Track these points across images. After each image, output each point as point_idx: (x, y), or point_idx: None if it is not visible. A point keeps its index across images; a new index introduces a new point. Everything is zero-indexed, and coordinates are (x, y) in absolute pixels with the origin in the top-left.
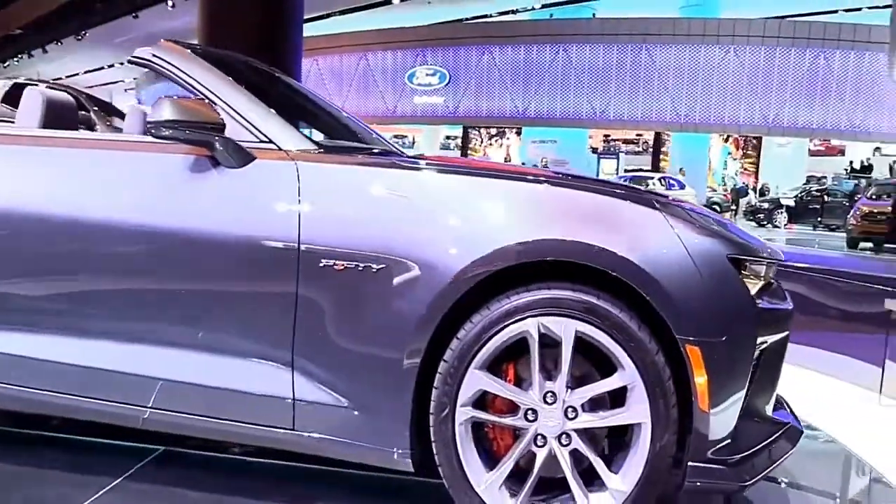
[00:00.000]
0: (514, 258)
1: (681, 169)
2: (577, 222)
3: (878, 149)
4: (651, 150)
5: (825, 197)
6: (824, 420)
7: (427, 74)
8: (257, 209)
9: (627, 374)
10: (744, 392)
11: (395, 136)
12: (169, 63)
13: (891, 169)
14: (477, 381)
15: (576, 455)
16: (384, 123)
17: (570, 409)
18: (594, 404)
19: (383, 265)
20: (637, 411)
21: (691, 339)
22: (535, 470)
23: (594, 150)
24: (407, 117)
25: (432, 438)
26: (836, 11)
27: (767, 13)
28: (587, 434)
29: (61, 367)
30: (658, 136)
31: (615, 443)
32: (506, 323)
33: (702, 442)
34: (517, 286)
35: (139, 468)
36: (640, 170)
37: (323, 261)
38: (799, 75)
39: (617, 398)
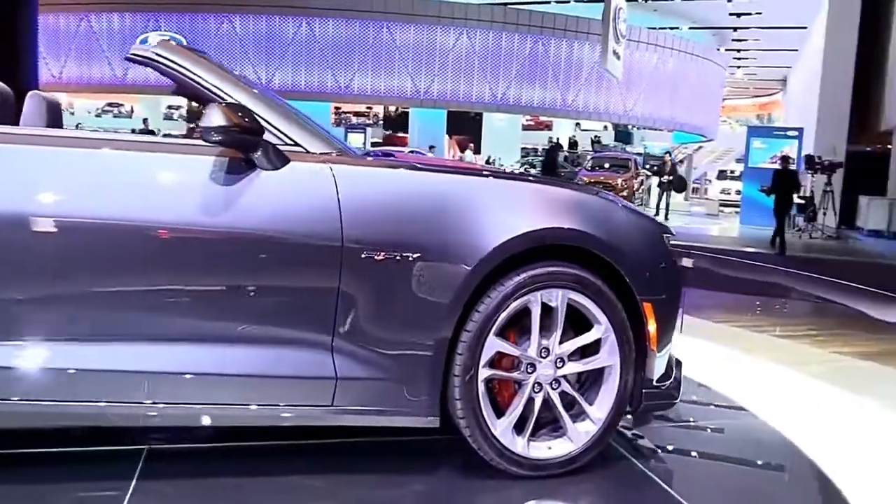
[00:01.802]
0: (529, 243)
1: (431, 146)
2: (568, 214)
3: (578, 124)
4: (382, 122)
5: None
6: None
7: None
8: (300, 208)
9: (602, 328)
10: (674, 335)
11: (110, 105)
12: (176, 64)
13: (592, 142)
14: (494, 345)
15: (561, 396)
16: (109, 92)
17: (558, 360)
18: (570, 355)
19: (418, 254)
20: (610, 356)
21: (646, 297)
22: (536, 411)
23: (338, 124)
24: (138, 86)
25: (456, 397)
26: (549, 2)
27: None
28: (568, 379)
29: (117, 375)
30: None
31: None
32: (517, 295)
33: (651, 374)
34: (517, 267)
35: (143, 468)
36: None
37: (364, 253)
38: (521, 58)
39: (585, 349)
